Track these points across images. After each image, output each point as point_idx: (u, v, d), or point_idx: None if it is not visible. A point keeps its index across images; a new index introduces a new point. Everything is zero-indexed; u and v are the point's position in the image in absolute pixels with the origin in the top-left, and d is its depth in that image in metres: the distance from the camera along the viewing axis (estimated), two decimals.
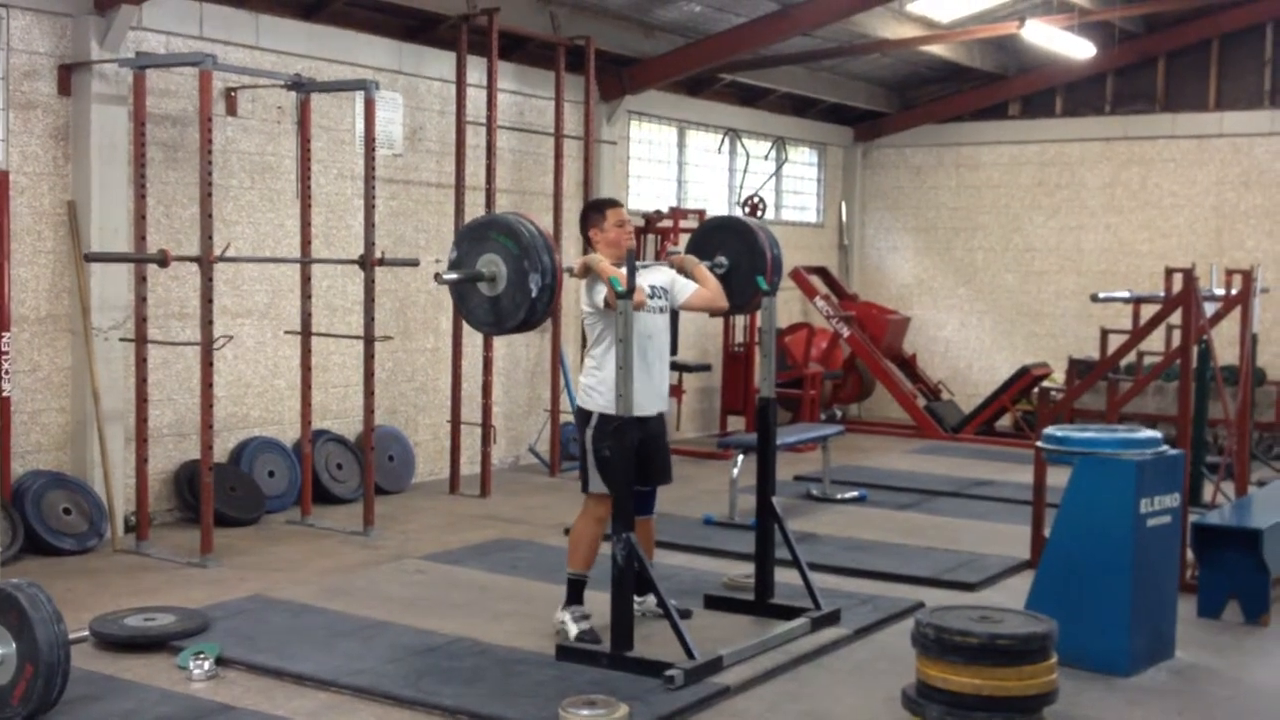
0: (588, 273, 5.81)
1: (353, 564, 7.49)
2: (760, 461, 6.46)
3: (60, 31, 7.78)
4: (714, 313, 6.59)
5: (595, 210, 6.09)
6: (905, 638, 5.05)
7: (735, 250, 6.56)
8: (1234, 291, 9.38)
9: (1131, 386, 8.49)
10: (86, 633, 5.75)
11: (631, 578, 5.54)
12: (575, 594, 5.98)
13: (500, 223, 5.50)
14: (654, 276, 6.06)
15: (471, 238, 5.55)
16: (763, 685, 5.45)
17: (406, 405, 10.17)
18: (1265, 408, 11.82)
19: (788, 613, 6.24)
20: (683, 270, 6.22)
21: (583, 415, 5.95)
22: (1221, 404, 8.03)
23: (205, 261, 7.36)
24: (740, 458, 8.81)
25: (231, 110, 8.73)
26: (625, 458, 5.53)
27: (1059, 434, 6.15)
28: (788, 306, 14.20)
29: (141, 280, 7.71)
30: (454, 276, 5.49)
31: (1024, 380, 13.24)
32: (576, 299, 11.68)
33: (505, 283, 5.42)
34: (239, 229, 8.75)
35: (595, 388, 5.88)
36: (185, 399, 8.44)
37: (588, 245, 6.10)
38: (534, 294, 5.35)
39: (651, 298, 5.88)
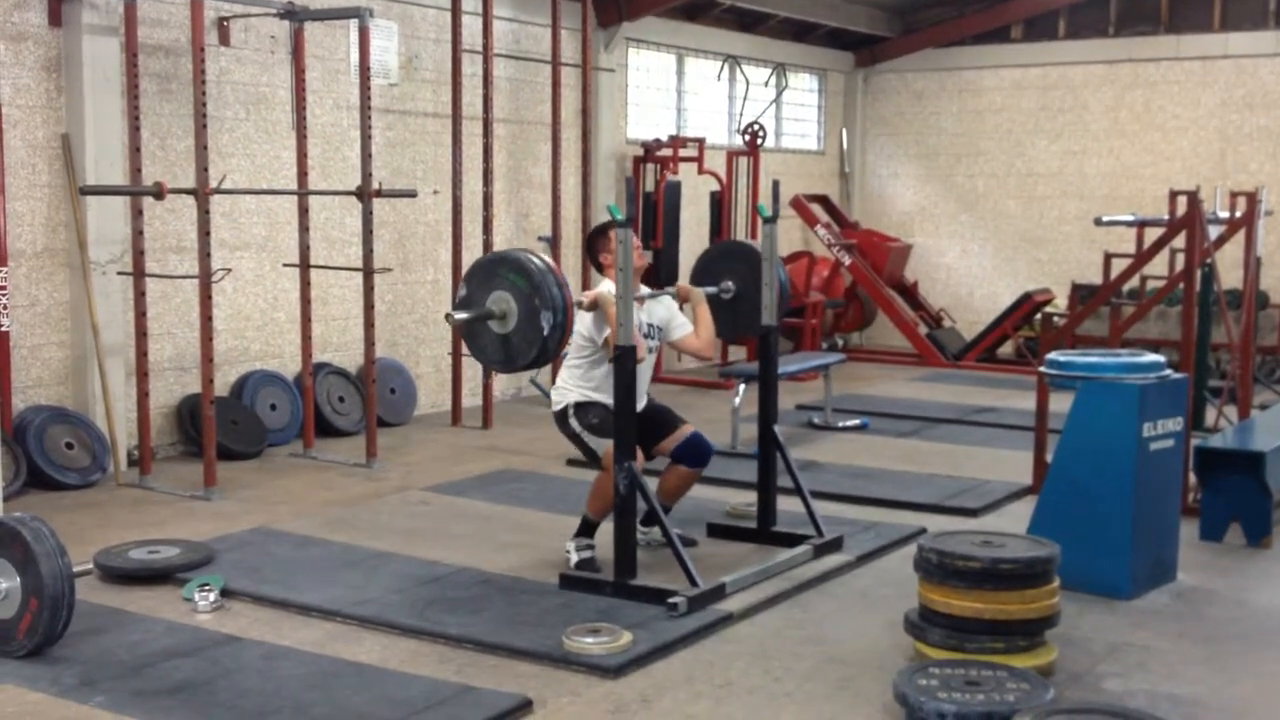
0: (595, 308, 5.81)
1: (356, 496, 7.51)
2: (762, 390, 6.46)
3: None
4: (699, 359, 6.60)
5: (600, 235, 6.12)
6: (908, 563, 5.06)
7: (742, 276, 6.55)
8: (1238, 214, 9.32)
9: (1135, 311, 8.45)
10: (91, 566, 5.78)
11: (633, 506, 5.54)
12: (586, 529, 6.01)
13: (509, 260, 5.43)
14: (655, 311, 6.11)
15: (480, 275, 5.47)
16: (766, 612, 5.48)
17: (407, 338, 10.15)
18: (1268, 331, 11.79)
19: (790, 540, 6.27)
20: (687, 300, 6.26)
21: (560, 416, 5.99)
22: (1225, 328, 8.00)
23: (201, 194, 7.30)
24: (742, 387, 8.81)
25: (224, 40, 8.62)
26: (625, 385, 5.49)
27: (1061, 359, 6.13)
28: (788, 235, 14.12)
29: (138, 213, 7.66)
30: (465, 316, 5.40)
31: (1026, 306, 13.22)
32: (578, 225, 11.53)
33: (516, 320, 5.34)
34: (235, 161, 8.68)
35: (569, 387, 5.97)
36: (185, 333, 8.41)
37: (598, 270, 6.16)
38: (545, 331, 5.27)
39: (648, 337, 5.96)
